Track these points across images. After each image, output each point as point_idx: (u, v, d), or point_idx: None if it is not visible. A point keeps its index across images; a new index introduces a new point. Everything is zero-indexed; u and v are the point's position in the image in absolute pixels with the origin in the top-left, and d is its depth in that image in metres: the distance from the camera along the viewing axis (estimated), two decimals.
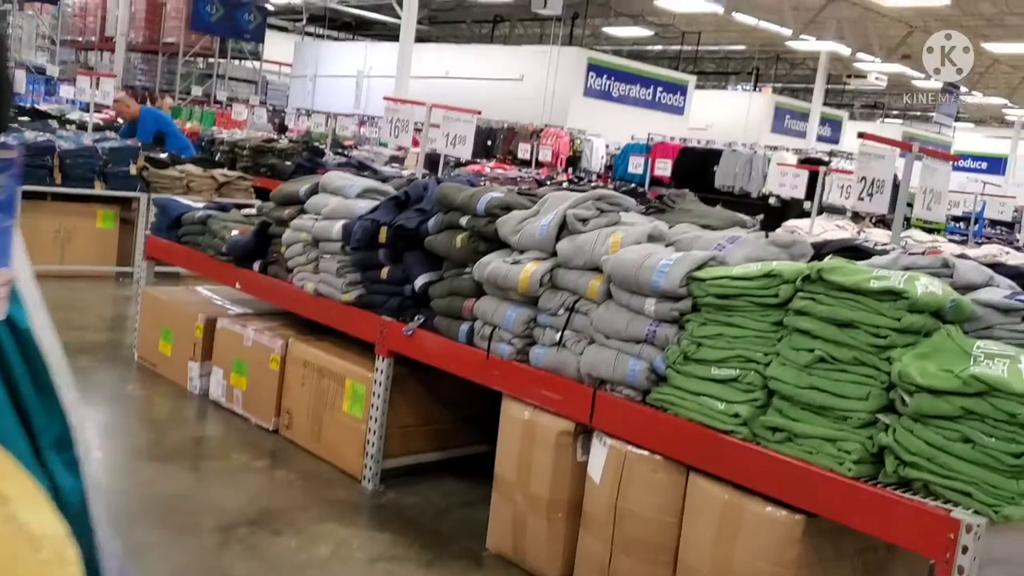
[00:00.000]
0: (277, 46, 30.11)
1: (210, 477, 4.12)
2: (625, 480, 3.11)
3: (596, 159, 17.35)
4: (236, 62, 25.11)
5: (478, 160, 15.09)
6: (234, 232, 4.96)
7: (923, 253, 3.09)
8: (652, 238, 3.37)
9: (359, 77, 25.04)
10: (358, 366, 4.20)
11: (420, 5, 27.03)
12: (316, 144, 12.44)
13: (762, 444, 2.79)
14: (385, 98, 6.24)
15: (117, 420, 4.77)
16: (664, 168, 13.41)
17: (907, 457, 2.49)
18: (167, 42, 22.90)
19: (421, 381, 4.16)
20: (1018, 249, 8.03)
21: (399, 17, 21.38)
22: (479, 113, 5.90)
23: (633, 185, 13.31)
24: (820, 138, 26.39)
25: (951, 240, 9.17)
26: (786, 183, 8.80)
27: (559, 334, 3.34)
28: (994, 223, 13.97)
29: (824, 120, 27.63)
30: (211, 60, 23.90)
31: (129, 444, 4.46)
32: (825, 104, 29.14)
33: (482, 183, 10.30)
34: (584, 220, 3.43)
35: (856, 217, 14.50)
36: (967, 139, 35.57)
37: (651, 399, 3.08)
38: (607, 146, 17.63)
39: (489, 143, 18.11)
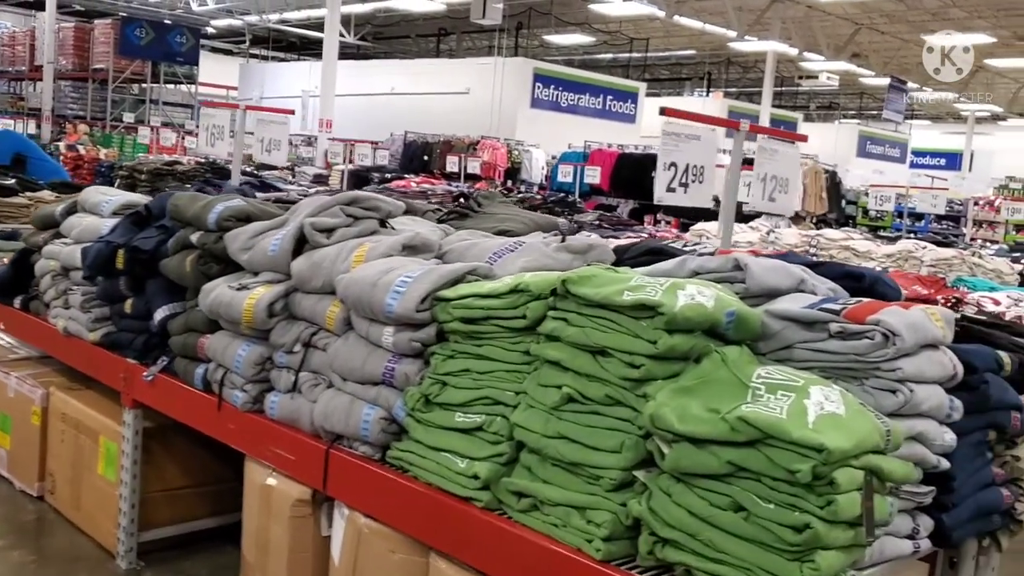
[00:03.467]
0: (222, 69, 29.39)
1: None
2: (362, 561, 2.42)
3: (536, 170, 16.70)
4: (171, 86, 24.31)
5: (406, 175, 14.38)
6: None
7: (713, 253, 2.42)
8: (410, 249, 2.69)
9: (304, 97, 24.35)
10: (114, 419, 3.49)
11: (363, 22, 26.52)
12: (222, 165, 11.71)
13: (507, 514, 2.12)
14: (203, 103, 5.58)
15: None
16: (593, 176, 12.76)
17: (665, 532, 1.82)
18: (97, 68, 22.09)
19: (191, 434, 3.44)
20: (947, 244, 7.40)
21: (343, 35, 20.77)
22: (292, 112, 5.26)
23: (563, 194, 12.63)
24: None
25: (880, 236, 8.57)
26: None
27: (294, 376, 2.66)
28: (940, 218, 13.44)
29: (777, 122, 27.09)
30: (144, 85, 23.10)
31: None
32: (780, 107, 28.65)
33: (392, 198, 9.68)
34: (328, 231, 2.76)
35: (797, 218, 13.89)
36: (925, 136, 35.36)
37: (389, 457, 2.40)
38: (552, 156, 16.96)
39: (426, 158, 17.42)
